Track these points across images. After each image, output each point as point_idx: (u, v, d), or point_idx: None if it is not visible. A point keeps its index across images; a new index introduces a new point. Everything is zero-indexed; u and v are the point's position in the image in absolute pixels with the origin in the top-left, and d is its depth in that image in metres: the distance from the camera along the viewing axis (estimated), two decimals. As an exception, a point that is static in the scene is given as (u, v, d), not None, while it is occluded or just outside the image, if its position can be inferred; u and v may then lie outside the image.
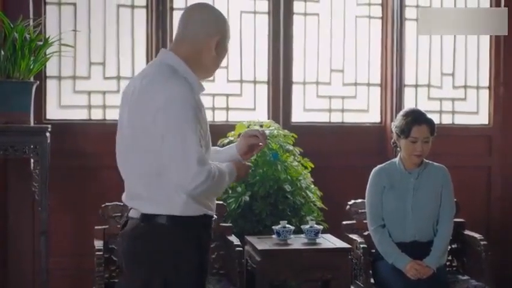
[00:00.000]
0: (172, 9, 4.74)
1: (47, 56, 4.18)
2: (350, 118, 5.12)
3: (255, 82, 4.94)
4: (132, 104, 2.54)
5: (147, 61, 4.66)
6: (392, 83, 5.04)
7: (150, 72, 2.58)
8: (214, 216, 2.70)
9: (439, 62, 5.22)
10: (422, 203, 3.89)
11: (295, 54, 4.96)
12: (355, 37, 5.10)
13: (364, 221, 4.05)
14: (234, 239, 3.95)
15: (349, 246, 3.89)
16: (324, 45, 5.05)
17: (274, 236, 3.85)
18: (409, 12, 5.12)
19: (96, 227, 3.94)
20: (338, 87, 5.09)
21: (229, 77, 4.90)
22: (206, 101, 2.62)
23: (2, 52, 3.95)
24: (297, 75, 4.98)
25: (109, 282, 3.83)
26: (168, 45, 4.55)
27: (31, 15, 4.36)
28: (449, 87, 5.25)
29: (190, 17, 2.63)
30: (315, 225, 3.90)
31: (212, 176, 2.47)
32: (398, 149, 4.00)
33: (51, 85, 4.65)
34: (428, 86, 5.21)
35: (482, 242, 4.06)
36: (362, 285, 3.90)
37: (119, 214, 3.90)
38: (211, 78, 2.92)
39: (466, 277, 4.10)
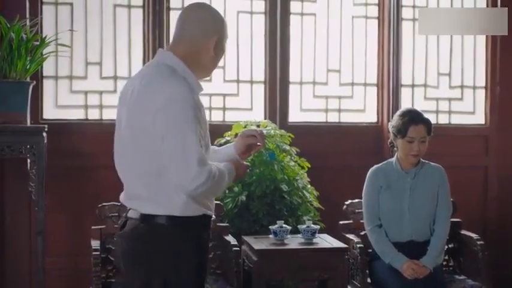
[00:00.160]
0: (169, 9, 4.74)
1: (44, 56, 4.18)
2: (347, 118, 5.11)
3: (251, 82, 4.94)
4: (131, 104, 2.54)
5: (144, 61, 4.66)
6: (389, 83, 5.05)
7: (149, 73, 2.57)
8: (213, 216, 2.70)
9: (435, 62, 5.22)
10: (419, 203, 3.90)
11: (292, 54, 4.96)
12: (351, 37, 5.09)
13: (361, 221, 4.06)
14: (230, 239, 3.95)
15: (346, 246, 3.89)
16: (320, 45, 5.05)
17: (271, 235, 3.85)
18: (406, 13, 5.12)
19: (93, 227, 3.94)
20: (335, 87, 5.09)
21: (226, 76, 4.89)
22: (203, 101, 2.61)
23: (-1, 52, 3.96)
24: (293, 75, 4.98)
25: (106, 282, 3.83)
26: (165, 45, 4.55)
27: (28, 15, 4.35)
28: (445, 87, 5.25)
29: (187, 16, 2.62)
30: (312, 225, 3.90)
31: (212, 176, 2.47)
32: (395, 148, 4.00)
33: (47, 85, 4.64)
34: (425, 86, 5.21)
35: (478, 242, 4.06)
36: (359, 285, 3.90)
37: (116, 214, 3.90)
38: (208, 78, 2.91)
39: (462, 277, 4.09)
